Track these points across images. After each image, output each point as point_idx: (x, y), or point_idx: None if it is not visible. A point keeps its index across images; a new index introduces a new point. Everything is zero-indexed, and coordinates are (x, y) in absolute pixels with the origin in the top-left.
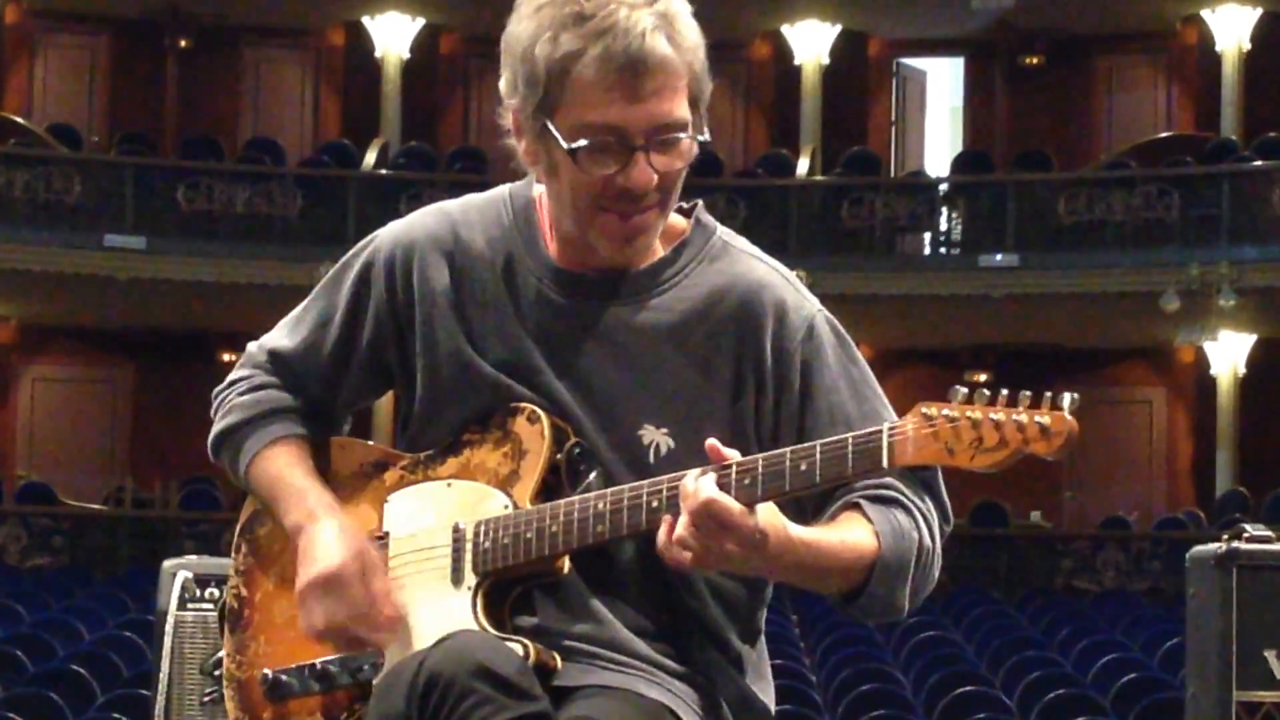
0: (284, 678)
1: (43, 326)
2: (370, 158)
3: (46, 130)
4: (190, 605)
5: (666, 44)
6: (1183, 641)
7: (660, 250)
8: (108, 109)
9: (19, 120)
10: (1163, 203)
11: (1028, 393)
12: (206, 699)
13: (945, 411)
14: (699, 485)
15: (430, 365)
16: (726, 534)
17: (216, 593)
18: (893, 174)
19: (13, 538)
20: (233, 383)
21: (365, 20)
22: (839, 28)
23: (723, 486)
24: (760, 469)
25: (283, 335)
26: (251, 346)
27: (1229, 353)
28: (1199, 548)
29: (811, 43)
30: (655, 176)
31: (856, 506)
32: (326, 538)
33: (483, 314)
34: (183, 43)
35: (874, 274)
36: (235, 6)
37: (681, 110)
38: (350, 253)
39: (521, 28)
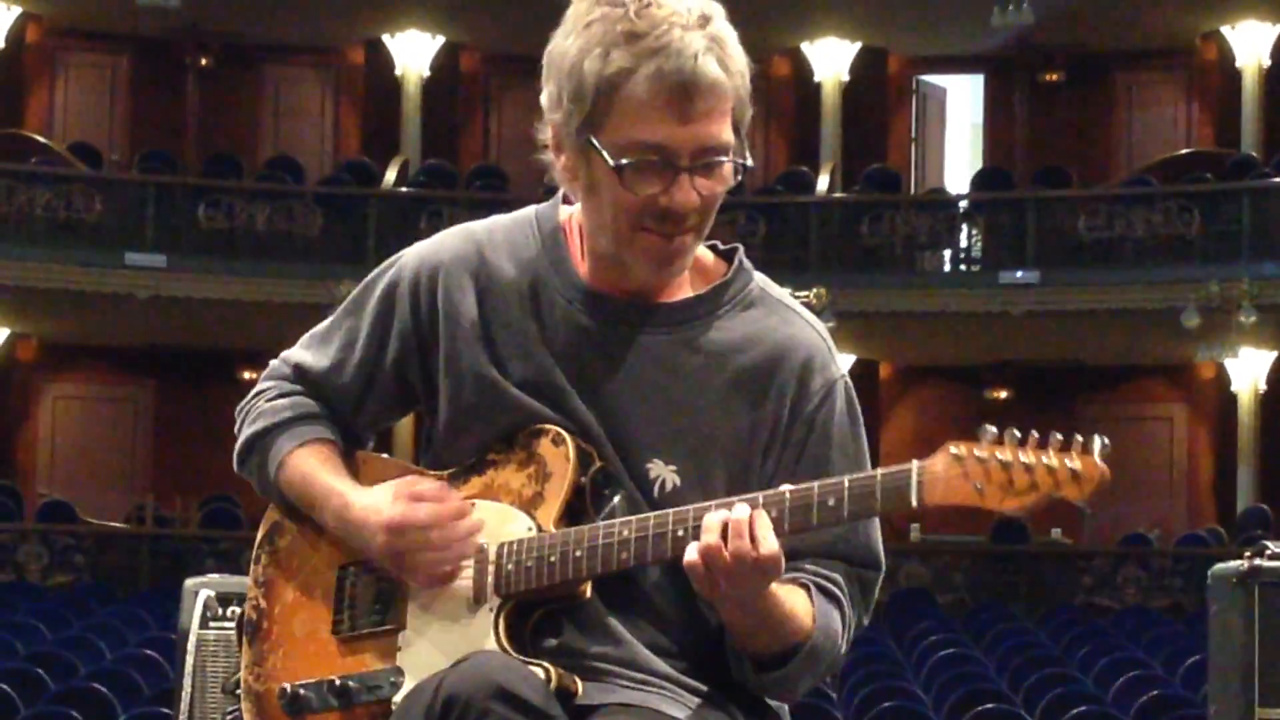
0: (302, 692)
1: (63, 345)
2: (390, 176)
3: (67, 149)
4: (212, 624)
5: (718, 67)
6: (1204, 658)
7: (696, 287)
8: (128, 127)
9: (40, 139)
10: (1183, 219)
11: (1059, 435)
12: (229, 718)
13: (975, 452)
14: (766, 536)
15: (454, 385)
16: (763, 578)
17: (238, 611)
18: (913, 191)
19: (34, 556)
20: (258, 393)
21: (385, 38)
22: (859, 45)
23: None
24: (787, 503)
25: (307, 352)
26: (275, 361)
27: (1250, 369)
28: (1220, 565)
29: (831, 60)
30: (698, 199)
31: (804, 587)
32: (364, 511)
33: (508, 335)
34: (203, 61)
35: (894, 291)
36: (255, 25)
37: (726, 134)
38: (375, 272)
39: (569, 43)
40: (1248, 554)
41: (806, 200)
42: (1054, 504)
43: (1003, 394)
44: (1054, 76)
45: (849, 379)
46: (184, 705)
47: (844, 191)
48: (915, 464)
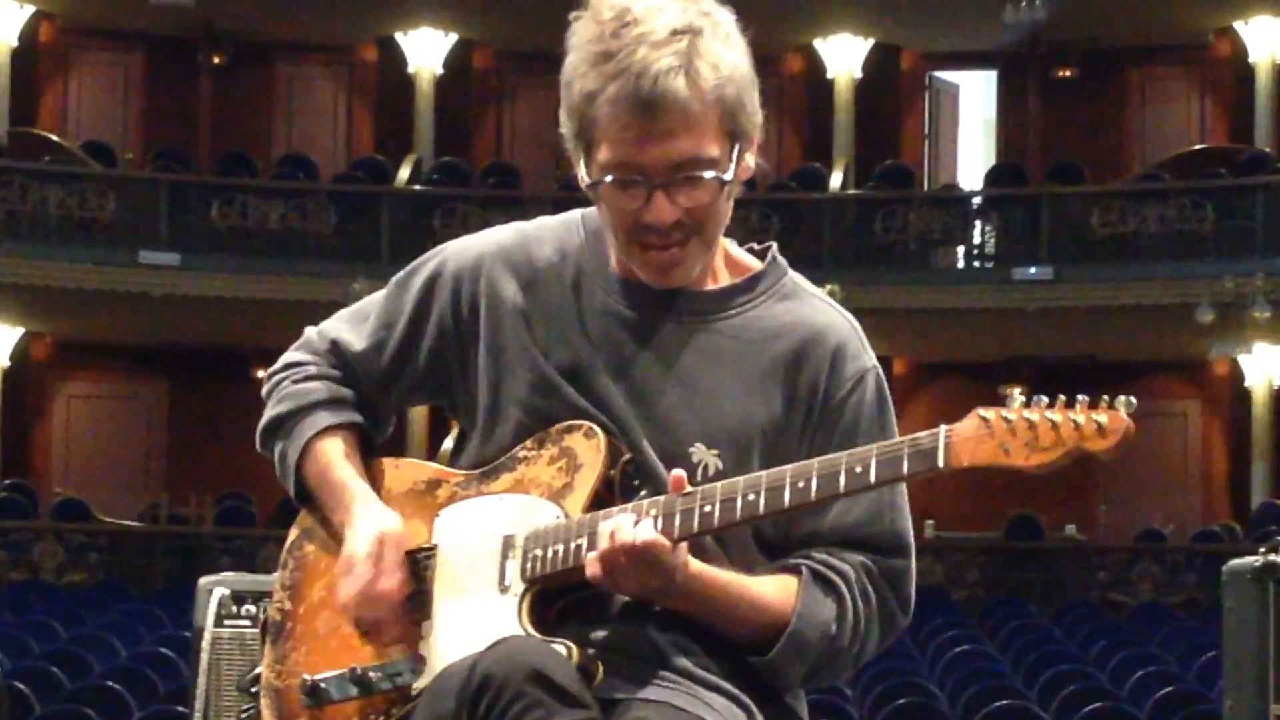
0: (322, 684)
1: (78, 343)
2: (404, 173)
3: (81, 147)
4: (227, 622)
5: (684, 84)
6: (1219, 654)
7: (732, 278)
8: (142, 126)
9: (54, 137)
10: (1196, 215)
11: (1084, 397)
12: (244, 716)
13: (1003, 414)
14: (638, 530)
15: (496, 372)
16: (653, 572)
17: (253, 609)
18: (926, 187)
19: (49, 554)
20: (288, 366)
21: (398, 36)
22: (872, 41)
23: (772, 491)
24: (815, 471)
25: (345, 329)
26: (310, 332)
27: (1264, 365)
28: (1235, 560)
29: (844, 56)
30: (677, 213)
31: (799, 575)
32: (356, 529)
33: (549, 324)
34: (216, 59)
35: (907, 287)
36: (269, 23)
37: (704, 148)
38: (418, 260)
39: (569, 58)
40: (1262, 550)
41: (820, 197)
42: (1081, 459)
43: (1016, 390)
44: (1067, 72)
45: (880, 370)
46: (199, 703)
47: (857, 188)
48: (943, 428)
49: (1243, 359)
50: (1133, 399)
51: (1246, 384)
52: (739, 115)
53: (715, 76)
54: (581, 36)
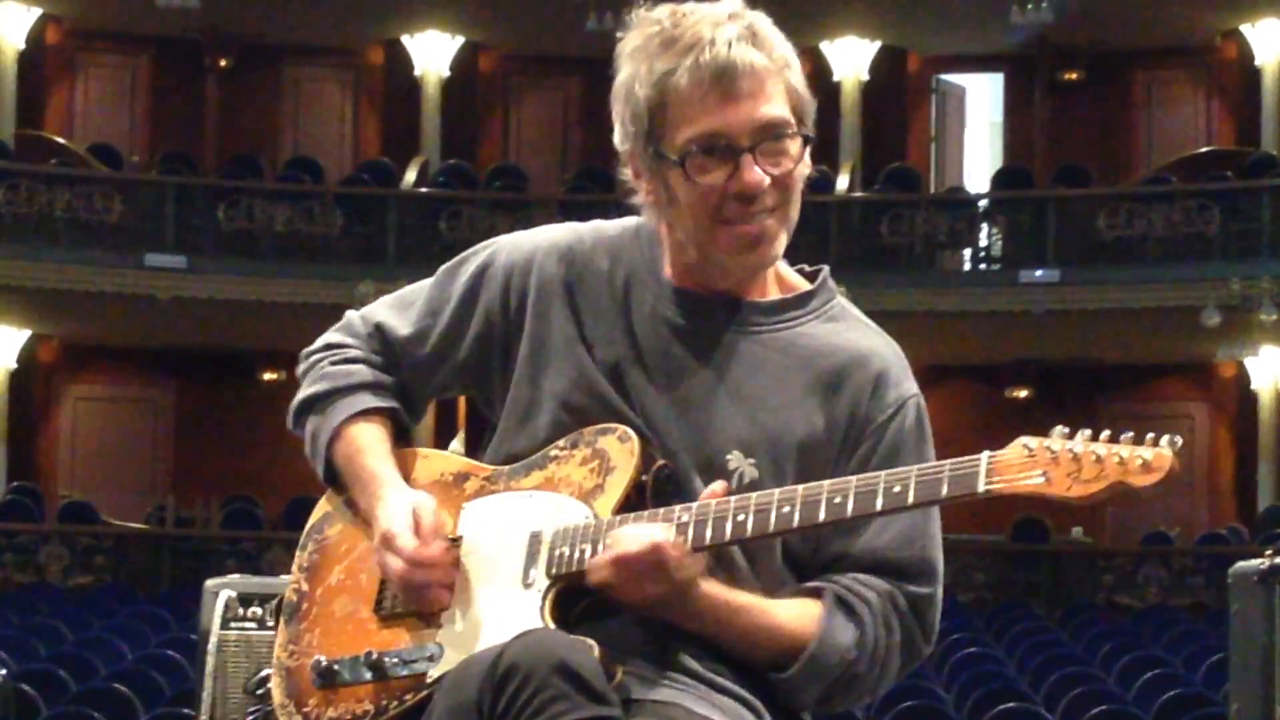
0: (335, 665)
1: (84, 346)
2: (410, 176)
3: (87, 150)
4: (233, 624)
5: (754, 51)
6: (1226, 657)
7: (780, 294)
8: (148, 129)
9: (60, 140)
10: (1203, 217)
11: (1130, 433)
12: (250, 718)
13: (1046, 443)
14: (644, 530)
15: (537, 362)
16: (654, 577)
17: (259, 611)
18: (932, 190)
19: (55, 556)
20: (328, 346)
21: (405, 39)
22: (878, 44)
23: (808, 505)
24: (853, 488)
25: (389, 314)
26: (352, 315)
27: (1270, 367)
28: (1241, 563)
29: (851, 59)
30: (767, 177)
31: (821, 598)
32: (384, 510)
33: (596, 321)
34: (223, 62)
35: (914, 290)
36: (275, 26)
37: (781, 110)
38: (468, 251)
39: (622, 74)
40: (1269, 552)
41: (826, 199)
42: (1123, 494)
43: (1023, 393)
44: (1074, 75)
45: (922, 399)
46: (205, 706)
47: (863, 190)
48: (985, 453)
49: (1249, 362)
50: (1178, 438)
51: (1253, 387)
52: (802, 102)
53: (778, 50)
54: (635, 44)
